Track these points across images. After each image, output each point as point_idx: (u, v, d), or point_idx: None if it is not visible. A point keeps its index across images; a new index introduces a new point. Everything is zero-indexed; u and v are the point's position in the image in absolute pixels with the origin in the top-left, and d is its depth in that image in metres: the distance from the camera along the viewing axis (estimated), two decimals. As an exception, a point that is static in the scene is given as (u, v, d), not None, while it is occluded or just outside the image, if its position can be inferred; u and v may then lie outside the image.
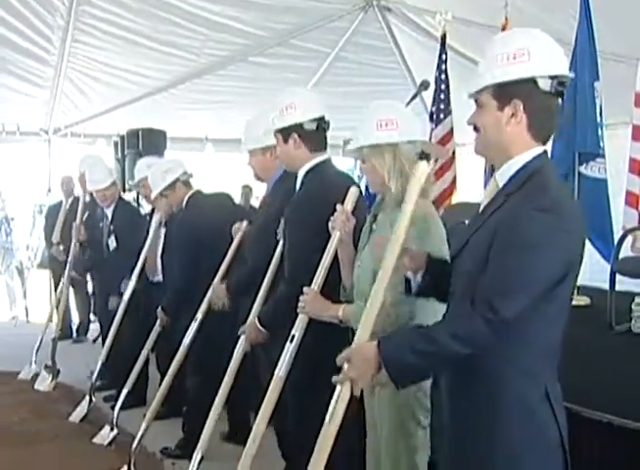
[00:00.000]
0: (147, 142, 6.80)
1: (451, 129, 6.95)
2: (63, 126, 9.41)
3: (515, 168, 1.97)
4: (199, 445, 3.42)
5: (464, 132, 7.59)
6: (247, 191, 9.66)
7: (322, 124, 3.26)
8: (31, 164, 10.15)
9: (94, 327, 8.02)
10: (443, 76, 6.90)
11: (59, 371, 6.00)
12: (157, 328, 4.76)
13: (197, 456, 3.38)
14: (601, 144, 5.18)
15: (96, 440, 4.52)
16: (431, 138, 6.77)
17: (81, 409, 5.09)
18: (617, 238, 4.90)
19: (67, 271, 6.42)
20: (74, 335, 8.30)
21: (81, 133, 9.52)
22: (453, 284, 2.06)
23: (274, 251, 3.42)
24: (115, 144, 7.59)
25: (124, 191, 7.40)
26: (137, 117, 8.54)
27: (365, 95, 8.31)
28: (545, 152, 2.01)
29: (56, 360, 6.04)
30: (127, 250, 5.45)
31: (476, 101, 2.03)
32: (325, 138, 3.30)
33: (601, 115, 5.26)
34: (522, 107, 1.94)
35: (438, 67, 6.93)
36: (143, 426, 4.10)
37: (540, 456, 1.88)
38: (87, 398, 5.14)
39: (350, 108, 8.09)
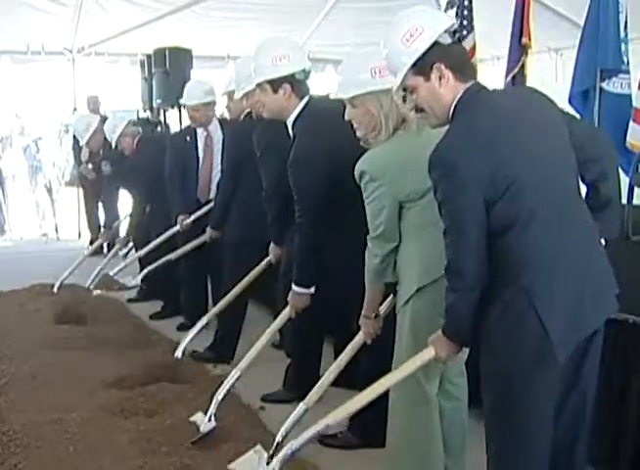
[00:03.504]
0: (174, 61, 6.85)
1: (474, 46, 6.96)
2: (87, 45, 9.41)
3: (450, 113, 2.25)
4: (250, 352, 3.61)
5: (486, 47, 7.57)
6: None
7: (307, 74, 3.40)
8: (56, 83, 10.23)
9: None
10: (470, -7, 6.85)
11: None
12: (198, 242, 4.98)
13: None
14: (625, 59, 5.22)
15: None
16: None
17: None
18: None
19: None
20: (105, 251, 8.56)
21: (105, 52, 9.54)
22: None
23: None
24: (142, 63, 7.61)
25: (151, 110, 7.53)
26: (159, 35, 8.53)
27: (392, 10, 8.21)
28: (471, 85, 2.24)
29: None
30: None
31: (404, 90, 2.31)
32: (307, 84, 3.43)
33: (625, 29, 5.27)
34: (443, 66, 2.21)
35: (465, -17, 6.88)
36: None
37: (515, 340, 2.17)
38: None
39: (377, 23, 8.08)
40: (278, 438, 3.01)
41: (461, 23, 6.94)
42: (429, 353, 2.45)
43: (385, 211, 2.75)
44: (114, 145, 5.90)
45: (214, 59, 9.60)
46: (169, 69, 6.84)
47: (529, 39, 5.52)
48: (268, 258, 4.32)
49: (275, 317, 3.81)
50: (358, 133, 2.87)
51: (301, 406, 3.09)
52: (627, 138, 5.41)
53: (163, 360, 4.36)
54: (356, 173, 2.79)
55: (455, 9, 6.86)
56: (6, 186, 9.88)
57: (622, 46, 5.20)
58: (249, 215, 4.50)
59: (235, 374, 3.57)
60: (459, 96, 2.22)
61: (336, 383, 4.17)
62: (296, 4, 8.64)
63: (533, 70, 5.79)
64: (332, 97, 2.94)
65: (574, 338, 2.19)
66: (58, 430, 3.33)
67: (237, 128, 4.76)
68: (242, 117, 4.67)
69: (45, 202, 9.96)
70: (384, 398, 2.98)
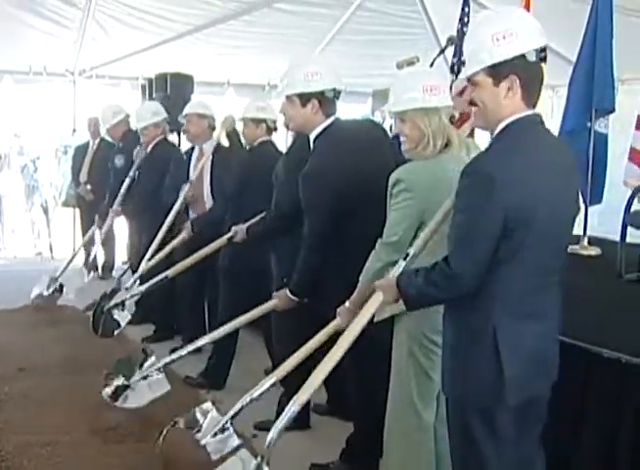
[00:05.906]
0: (175, 86, 6.93)
1: (469, 84, 7.04)
2: (88, 68, 9.51)
3: (500, 127, 2.24)
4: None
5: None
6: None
7: (337, 94, 3.47)
8: (57, 104, 10.30)
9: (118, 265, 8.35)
10: (466, 29, 6.95)
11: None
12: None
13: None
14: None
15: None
16: (451, 89, 6.86)
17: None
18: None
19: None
20: (99, 272, 8.56)
21: (106, 75, 9.63)
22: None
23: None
24: (143, 87, 7.70)
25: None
26: (160, 60, 8.63)
27: (387, 44, 8.40)
28: (534, 114, 2.25)
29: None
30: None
31: (468, 80, 2.27)
32: (335, 104, 3.51)
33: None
34: (518, 81, 2.18)
35: (461, 19, 6.97)
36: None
37: (471, 374, 2.24)
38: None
39: (373, 56, 8.18)
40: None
41: (459, 58, 7.05)
42: (378, 299, 2.57)
43: (406, 223, 2.83)
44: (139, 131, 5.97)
45: (214, 85, 9.71)
46: (170, 93, 6.90)
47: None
48: (230, 234, 4.44)
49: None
50: (404, 146, 2.95)
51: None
52: (623, 176, 5.50)
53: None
54: (391, 180, 2.88)
55: (454, 46, 6.97)
56: (2, 205, 9.90)
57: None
58: (243, 244, 4.54)
59: None
60: (518, 116, 2.21)
61: (330, 413, 4.24)
62: (296, 34, 8.77)
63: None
64: (384, 110, 3.03)
65: (526, 392, 2.25)
66: (50, 452, 3.37)
67: (248, 155, 4.84)
68: (256, 143, 4.74)
69: (41, 221, 9.96)
70: (377, 428, 3.04)
